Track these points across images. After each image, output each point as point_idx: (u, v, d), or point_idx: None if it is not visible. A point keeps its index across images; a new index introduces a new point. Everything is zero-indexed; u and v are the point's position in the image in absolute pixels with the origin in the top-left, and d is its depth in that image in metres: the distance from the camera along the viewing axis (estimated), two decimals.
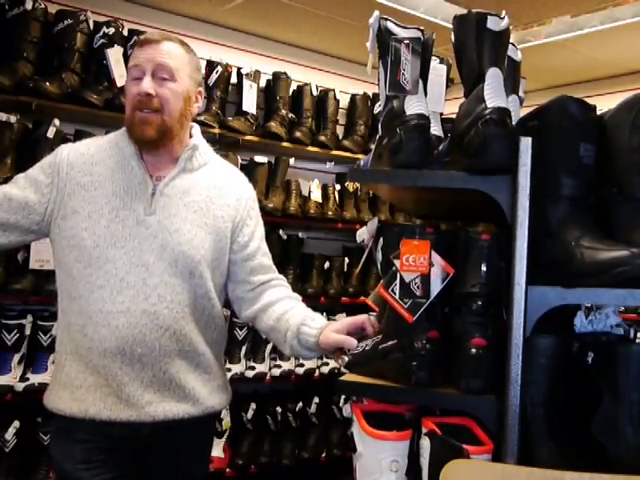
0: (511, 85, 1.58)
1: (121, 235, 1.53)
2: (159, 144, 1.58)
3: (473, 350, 1.38)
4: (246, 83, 3.76)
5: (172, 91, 1.56)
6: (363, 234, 1.62)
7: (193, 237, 1.57)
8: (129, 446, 1.56)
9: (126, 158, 1.60)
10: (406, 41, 1.40)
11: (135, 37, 1.52)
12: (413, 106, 1.39)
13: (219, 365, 1.69)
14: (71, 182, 1.57)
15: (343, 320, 1.59)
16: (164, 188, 1.59)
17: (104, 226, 1.54)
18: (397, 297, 1.42)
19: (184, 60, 1.60)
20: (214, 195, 1.63)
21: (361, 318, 1.55)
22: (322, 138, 3.99)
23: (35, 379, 2.92)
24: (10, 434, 2.87)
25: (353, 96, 4.24)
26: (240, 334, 3.60)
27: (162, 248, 1.54)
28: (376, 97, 4.06)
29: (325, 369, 3.88)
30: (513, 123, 1.40)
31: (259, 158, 3.77)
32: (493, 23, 1.38)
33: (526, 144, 1.35)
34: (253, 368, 3.64)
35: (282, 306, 1.66)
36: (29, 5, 3.03)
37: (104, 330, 1.51)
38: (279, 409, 3.77)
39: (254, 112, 3.80)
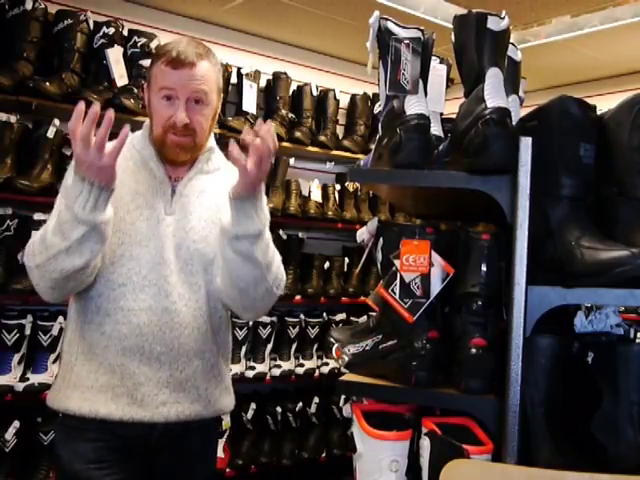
0: (511, 85, 1.58)
1: (145, 234, 1.55)
2: (188, 161, 1.62)
3: (473, 350, 1.38)
4: (246, 83, 3.76)
5: (205, 116, 1.58)
6: (363, 234, 1.62)
7: (208, 234, 1.59)
8: (141, 446, 1.55)
9: (144, 160, 1.61)
10: (406, 41, 1.40)
11: (160, 48, 1.42)
12: (413, 106, 1.39)
13: (226, 367, 1.69)
14: None
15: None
16: (183, 188, 1.61)
17: (130, 223, 1.55)
18: (397, 297, 1.42)
19: (214, 78, 1.60)
20: (224, 198, 1.60)
21: (241, 165, 1.42)
22: (322, 138, 3.99)
23: (35, 379, 2.92)
24: (10, 434, 2.87)
25: (353, 96, 4.25)
26: (240, 334, 3.60)
27: (178, 247, 1.56)
28: (376, 97, 4.06)
29: (325, 369, 3.89)
30: (513, 123, 1.40)
31: None
32: (493, 23, 1.38)
33: (526, 144, 1.35)
34: (253, 368, 3.64)
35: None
36: (29, 5, 3.03)
37: (124, 328, 1.51)
38: (279, 409, 3.77)
39: (254, 112, 3.80)
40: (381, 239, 1.51)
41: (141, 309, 1.52)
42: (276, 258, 1.58)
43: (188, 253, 1.56)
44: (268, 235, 1.55)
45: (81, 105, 1.34)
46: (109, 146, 1.40)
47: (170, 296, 1.53)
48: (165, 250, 1.55)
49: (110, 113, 1.35)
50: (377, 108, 1.58)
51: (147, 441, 1.55)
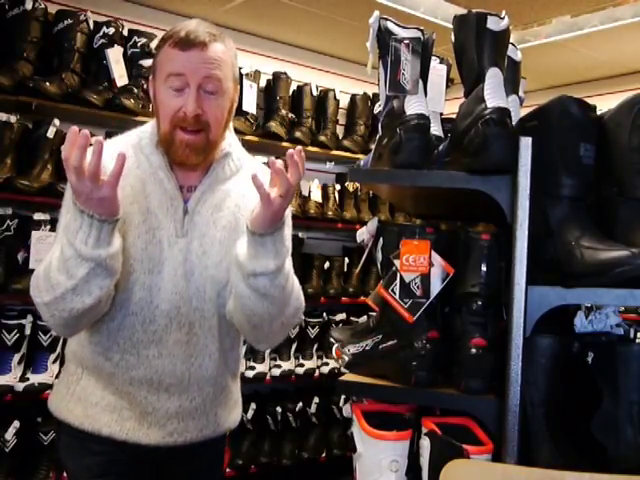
0: (511, 85, 1.58)
1: (158, 259, 1.41)
2: (201, 164, 1.45)
3: (473, 350, 1.38)
4: (246, 83, 3.76)
5: (219, 107, 1.40)
6: (363, 234, 1.62)
7: (222, 258, 1.44)
8: (148, 458, 1.48)
9: (153, 167, 1.44)
10: (406, 41, 1.40)
11: (167, 32, 1.39)
12: (413, 106, 1.39)
13: (235, 382, 1.63)
14: None
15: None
16: (196, 205, 1.44)
17: (141, 248, 1.40)
18: (397, 297, 1.42)
19: (229, 64, 1.42)
20: (242, 205, 1.47)
21: (264, 193, 1.25)
22: (322, 138, 3.99)
23: (35, 379, 2.92)
24: (10, 434, 2.87)
25: (353, 96, 4.25)
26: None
27: (190, 273, 1.43)
28: (376, 97, 4.06)
29: (325, 369, 3.89)
30: (513, 123, 1.41)
31: (259, 158, 3.77)
32: (493, 23, 1.38)
33: (526, 144, 1.35)
34: (253, 368, 3.64)
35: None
36: (29, 5, 3.04)
37: (132, 359, 1.42)
38: (279, 409, 3.77)
39: (254, 112, 3.80)
40: (381, 239, 1.51)
41: (151, 341, 1.41)
42: (295, 288, 1.42)
43: (201, 280, 1.43)
44: (289, 266, 1.37)
45: (74, 129, 1.19)
46: (107, 165, 1.23)
47: (183, 328, 1.42)
48: (177, 277, 1.41)
49: (100, 139, 1.20)
50: (377, 108, 1.58)
51: (153, 456, 1.48)
